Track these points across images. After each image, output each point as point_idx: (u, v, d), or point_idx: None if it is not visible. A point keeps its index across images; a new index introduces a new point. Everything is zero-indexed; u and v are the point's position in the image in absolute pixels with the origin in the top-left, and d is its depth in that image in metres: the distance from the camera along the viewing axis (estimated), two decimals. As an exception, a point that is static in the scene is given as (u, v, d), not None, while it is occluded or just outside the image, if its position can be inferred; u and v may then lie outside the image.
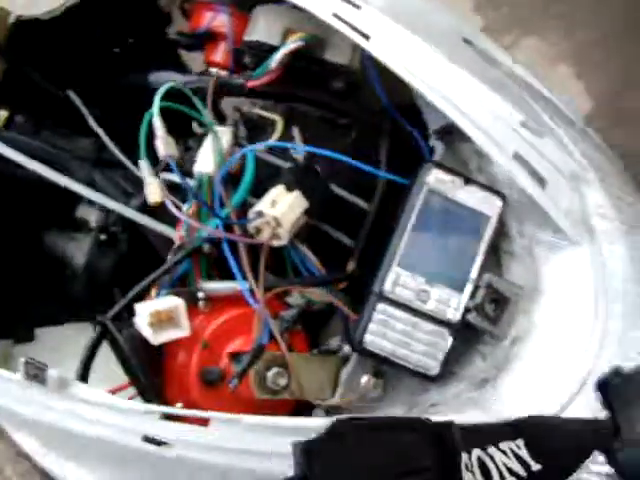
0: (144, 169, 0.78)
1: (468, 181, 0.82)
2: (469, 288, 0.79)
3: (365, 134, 0.89)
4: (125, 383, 0.72)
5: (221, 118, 0.87)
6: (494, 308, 0.79)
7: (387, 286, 0.78)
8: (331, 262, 0.83)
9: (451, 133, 0.85)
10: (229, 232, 0.75)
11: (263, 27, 0.81)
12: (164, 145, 0.77)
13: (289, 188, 0.78)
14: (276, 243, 0.78)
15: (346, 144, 0.86)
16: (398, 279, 0.78)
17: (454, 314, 0.79)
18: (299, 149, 0.83)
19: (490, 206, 0.82)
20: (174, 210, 0.75)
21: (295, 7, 0.75)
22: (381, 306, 0.78)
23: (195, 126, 0.82)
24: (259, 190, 0.78)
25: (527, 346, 0.80)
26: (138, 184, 0.80)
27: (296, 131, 0.83)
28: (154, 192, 0.77)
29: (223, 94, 0.83)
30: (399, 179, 0.86)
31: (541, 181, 0.80)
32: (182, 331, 0.70)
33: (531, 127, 0.80)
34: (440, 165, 0.82)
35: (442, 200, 0.81)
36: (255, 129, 0.84)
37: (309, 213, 0.79)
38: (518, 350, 0.80)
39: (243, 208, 0.77)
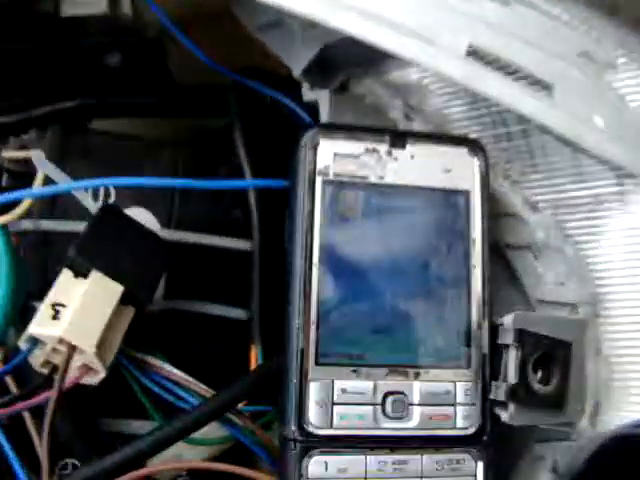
0: None
1: (398, 137, 0.37)
2: (476, 357, 0.36)
3: (199, 134, 0.53)
4: None
5: None
6: (544, 376, 0.35)
7: (310, 417, 0.34)
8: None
9: (335, 68, 0.41)
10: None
11: None
12: None
13: (77, 271, 0.42)
14: (90, 380, 0.41)
15: (171, 160, 0.50)
16: (326, 390, 0.34)
17: (467, 421, 0.35)
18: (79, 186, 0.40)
19: (459, 171, 0.38)
20: None
21: None
22: (309, 460, 0.34)
23: None
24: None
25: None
26: None
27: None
28: None
29: None
30: (277, 181, 0.43)
31: (542, 86, 0.37)
32: None
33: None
34: (329, 127, 0.38)
35: (359, 193, 0.36)
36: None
37: (135, 298, 0.43)
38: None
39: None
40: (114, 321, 0.41)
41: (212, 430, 0.44)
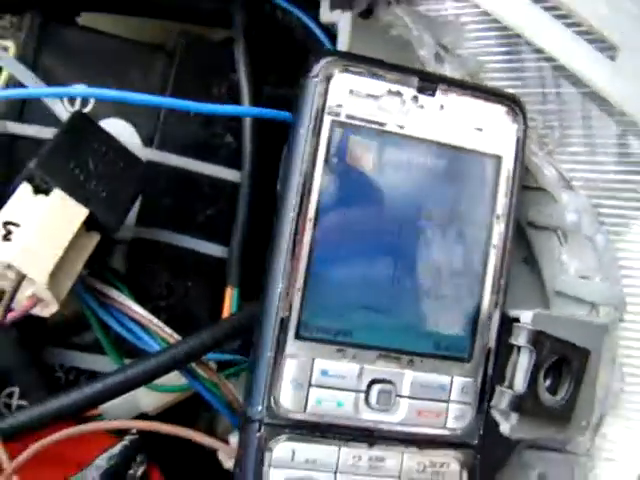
0: None
1: (428, 82, 0.28)
2: (479, 351, 0.28)
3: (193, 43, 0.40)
4: None
5: None
6: (553, 384, 0.28)
7: (281, 398, 0.26)
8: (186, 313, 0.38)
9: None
10: None
11: None
12: None
13: (37, 187, 0.32)
14: (40, 312, 0.33)
15: (162, 69, 0.39)
16: (304, 369, 0.26)
17: (459, 422, 0.28)
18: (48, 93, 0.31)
19: (492, 132, 0.28)
20: None
21: None
22: (275, 446, 0.26)
23: None
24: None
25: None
26: None
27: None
28: None
29: None
30: (279, 113, 0.33)
31: (606, 46, 0.28)
32: None
33: None
34: (348, 57, 0.28)
35: (373, 142, 0.27)
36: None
37: (101, 224, 0.33)
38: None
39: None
40: (74, 249, 0.32)
41: (172, 376, 0.36)
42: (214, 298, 0.38)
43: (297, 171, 0.26)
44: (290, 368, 0.26)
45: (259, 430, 0.26)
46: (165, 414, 0.37)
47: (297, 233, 0.26)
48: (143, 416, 0.37)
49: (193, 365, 0.34)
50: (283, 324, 0.26)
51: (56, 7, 0.39)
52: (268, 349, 0.26)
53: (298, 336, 0.26)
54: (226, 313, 0.37)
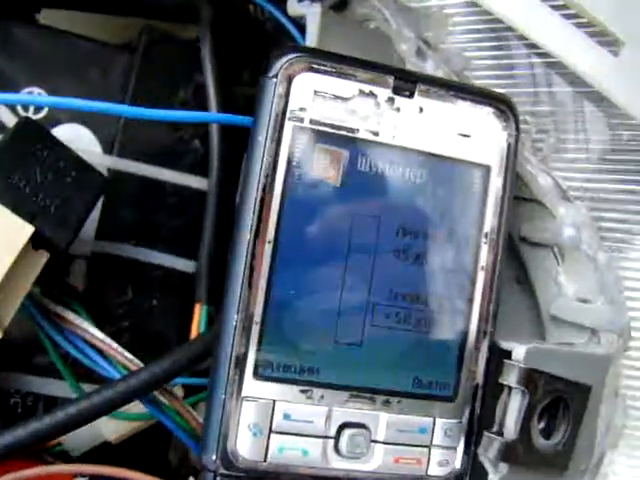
0: None
1: (405, 81, 0.24)
2: (465, 388, 0.24)
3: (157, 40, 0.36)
4: None
5: None
6: (549, 426, 0.24)
7: (238, 446, 0.22)
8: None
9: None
10: None
11: None
12: None
13: None
14: None
15: (123, 69, 0.35)
16: (264, 413, 0.22)
17: (442, 469, 0.24)
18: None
19: (480, 138, 0.24)
20: None
21: None
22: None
23: None
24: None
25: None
26: None
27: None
28: None
29: None
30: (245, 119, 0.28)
31: (610, 41, 0.24)
32: None
33: None
34: (312, 54, 0.23)
35: (342, 151, 0.23)
36: None
37: (49, 242, 0.29)
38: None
39: None
40: (19, 270, 0.28)
41: (135, 402, 0.32)
42: (182, 316, 0.35)
43: (254, 185, 0.22)
44: (248, 412, 0.22)
45: (219, 487, 0.22)
46: (135, 438, 0.34)
47: (254, 257, 0.22)
48: (105, 445, 0.34)
49: (156, 392, 0.31)
50: (239, 362, 0.22)
51: (14, 3, 0.35)
52: (222, 390, 0.22)
53: (257, 375, 0.22)
54: (194, 332, 0.34)
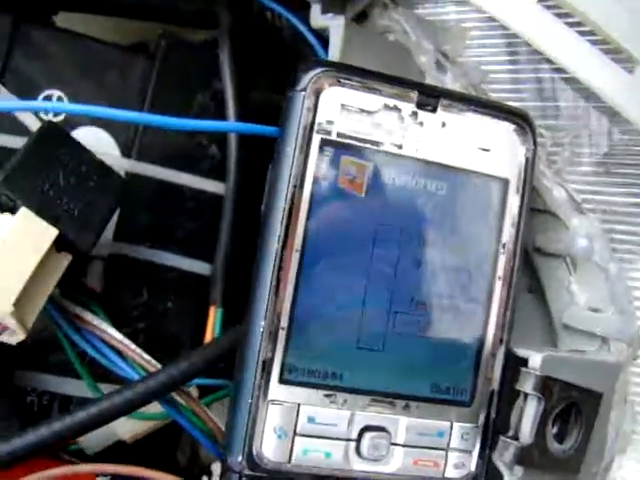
0: None
1: (428, 96, 0.24)
2: (482, 393, 0.25)
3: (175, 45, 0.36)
4: None
5: None
6: (562, 431, 0.25)
7: (264, 448, 0.23)
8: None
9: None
10: None
11: None
12: None
13: (2, 204, 0.29)
14: (6, 339, 0.29)
15: (141, 73, 0.35)
16: (289, 416, 0.23)
17: (459, 471, 0.24)
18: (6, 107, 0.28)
19: (499, 152, 0.25)
20: None
21: None
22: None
23: None
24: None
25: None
26: None
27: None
28: None
29: None
30: (267, 129, 0.28)
31: (624, 58, 0.24)
32: None
33: None
34: (339, 68, 0.24)
35: (367, 163, 0.24)
36: None
37: (72, 244, 0.29)
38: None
39: None
40: (43, 272, 0.29)
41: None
42: (197, 318, 0.35)
43: (282, 196, 0.23)
44: (273, 415, 0.23)
45: (244, 488, 0.23)
46: (145, 437, 0.35)
47: (282, 266, 0.23)
48: (120, 444, 0.34)
49: (173, 393, 0.32)
50: (265, 367, 0.23)
51: (31, 6, 0.35)
52: (249, 394, 0.23)
53: (282, 380, 0.23)
54: (209, 334, 0.34)
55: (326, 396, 0.23)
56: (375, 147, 0.24)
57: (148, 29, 0.38)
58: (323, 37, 0.32)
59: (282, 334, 0.23)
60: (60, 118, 0.34)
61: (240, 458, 0.23)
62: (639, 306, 0.26)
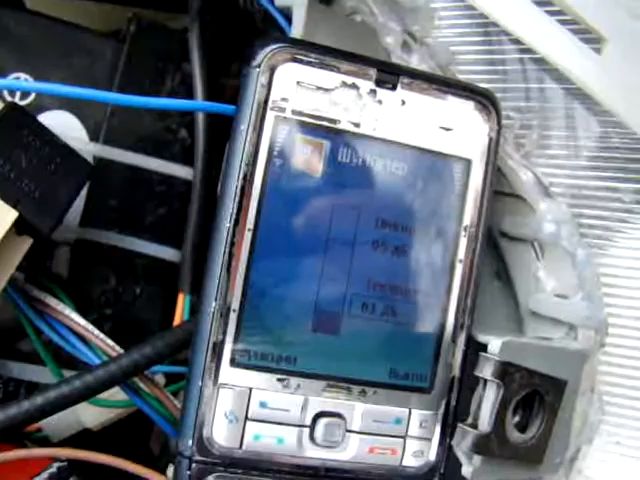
0: None
1: (388, 73, 0.23)
2: (442, 380, 0.24)
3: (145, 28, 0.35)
4: None
5: None
6: (523, 420, 0.24)
7: (214, 433, 0.22)
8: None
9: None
10: None
11: None
12: None
13: None
14: None
15: (110, 56, 0.35)
16: (240, 401, 0.22)
17: (417, 460, 0.24)
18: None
19: (461, 132, 0.24)
20: None
21: None
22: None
23: None
24: None
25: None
26: None
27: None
28: None
29: None
30: (228, 108, 0.28)
31: (592, 38, 0.24)
32: None
33: None
34: (295, 44, 0.23)
35: (323, 141, 0.23)
36: None
37: (33, 227, 0.29)
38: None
39: None
40: (2, 254, 0.28)
41: (116, 390, 0.32)
42: (165, 305, 0.34)
43: (235, 174, 0.22)
44: (224, 399, 0.22)
45: (189, 468, 0.22)
46: (116, 425, 0.34)
47: (233, 245, 0.22)
48: (86, 432, 0.34)
49: (136, 379, 0.31)
50: (216, 349, 0.22)
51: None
52: (199, 377, 0.22)
53: (233, 363, 0.22)
54: (178, 321, 0.33)
55: (279, 380, 0.23)
56: (332, 125, 0.23)
57: (120, 14, 0.38)
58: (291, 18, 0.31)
59: (233, 316, 0.22)
60: (28, 101, 0.34)
61: (190, 443, 0.22)
62: (608, 292, 0.25)
